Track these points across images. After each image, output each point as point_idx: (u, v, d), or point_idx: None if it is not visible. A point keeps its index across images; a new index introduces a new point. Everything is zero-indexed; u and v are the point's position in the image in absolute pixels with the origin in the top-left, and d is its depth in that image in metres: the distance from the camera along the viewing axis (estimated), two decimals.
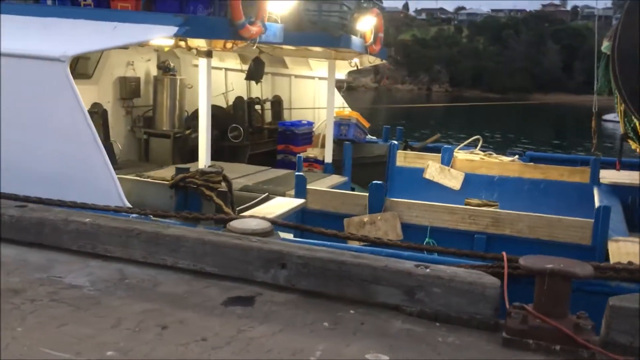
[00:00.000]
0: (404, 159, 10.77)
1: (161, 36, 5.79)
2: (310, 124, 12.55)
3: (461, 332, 3.14)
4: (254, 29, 6.64)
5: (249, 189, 8.73)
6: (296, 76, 13.46)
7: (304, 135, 12.19)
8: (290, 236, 5.71)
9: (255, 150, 12.38)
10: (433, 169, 10.43)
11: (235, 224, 4.14)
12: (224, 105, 12.91)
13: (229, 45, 7.05)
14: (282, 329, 3.06)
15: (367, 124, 12.47)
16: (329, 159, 11.12)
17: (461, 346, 3.00)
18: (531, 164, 10.35)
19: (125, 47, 8.85)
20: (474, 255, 4.23)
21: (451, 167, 10.36)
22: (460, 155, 10.60)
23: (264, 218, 4.46)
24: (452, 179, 10.29)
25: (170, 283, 3.60)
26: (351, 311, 3.34)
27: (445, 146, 10.60)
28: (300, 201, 6.64)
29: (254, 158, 12.12)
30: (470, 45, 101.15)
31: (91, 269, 3.72)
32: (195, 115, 12.74)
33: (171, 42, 6.91)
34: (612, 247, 5.59)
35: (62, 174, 5.41)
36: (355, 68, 11.93)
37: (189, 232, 3.78)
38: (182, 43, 7.11)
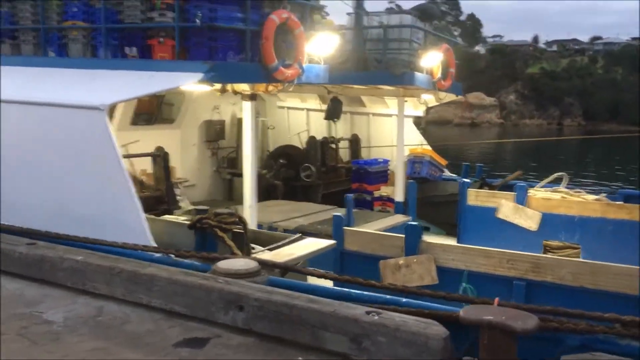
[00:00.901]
0: (476, 197, 10.29)
1: (190, 82, 6.06)
2: (386, 162, 12.41)
3: None
4: (289, 72, 6.76)
5: (302, 229, 8.74)
6: (374, 114, 13.45)
7: (378, 173, 12.06)
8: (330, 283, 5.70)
9: (330, 189, 12.42)
10: (506, 208, 9.86)
11: (221, 264, 4.16)
12: (300, 146, 13.14)
13: (270, 88, 7.23)
14: None
15: (443, 162, 12.10)
16: (399, 197, 10.89)
17: None
18: (617, 203, 9.48)
19: (160, 94, 9.36)
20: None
21: (527, 206, 9.74)
22: (537, 193, 9.94)
23: (259, 260, 4.46)
24: (528, 219, 9.66)
25: (139, 321, 3.67)
26: (299, 358, 3.21)
27: (520, 184, 10.00)
28: (329, 242, 6.55)
29: (328, 197, 12.15)
30: (606, 76, 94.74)
31: (74, 306, 3.89)
32: (271, 155, 13.12)
33: (215, 87, 7.21)
34: None
35: (97, 214, 5.76)
36: (424, 105, 11.69)
37: (162, 271, 3.85)
38: (229, 87, 7.39)
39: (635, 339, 3.39)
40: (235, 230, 5.34)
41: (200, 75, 5.86)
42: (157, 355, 3.19)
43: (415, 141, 12.86)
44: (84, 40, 6.86)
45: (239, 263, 4.20)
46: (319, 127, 13.91)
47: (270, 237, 6.77)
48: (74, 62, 6.80)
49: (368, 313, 3.18)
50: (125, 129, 10.99)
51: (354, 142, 13.45)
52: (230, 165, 14.09)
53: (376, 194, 11.90)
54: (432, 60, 9.97)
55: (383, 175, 12.23)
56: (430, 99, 11.56)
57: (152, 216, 6.46)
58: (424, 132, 13.28)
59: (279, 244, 6.34)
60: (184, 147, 12.67)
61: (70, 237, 5.01)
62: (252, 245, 6.50)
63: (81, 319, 3.69)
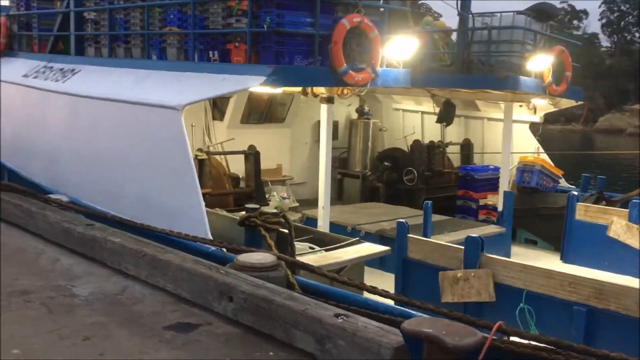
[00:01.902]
0: (585, 212, 9.47)
1: (255, 85, 6.30)
2: (496, 169, 11.84)
3: None
4: (360, 76, 6.75)
5: (382, 233, 8.71)
6: (488, 119, 12.89)
7: (485, 181, 11.53)
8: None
9: (434, 194, 12.11)
10: (618, 226, 8.97)
11: (241, 257, 4.32)
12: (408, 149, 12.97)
13: (345, 91, 7.28)
14: (182, 358, 3.16)
15: (558, 172, 11.30)
16: (501, 207, 10.36)
17: None
18: None
19: (230, 96, 9.70)
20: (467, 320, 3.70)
21: None
22: None
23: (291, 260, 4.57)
24: None
25: (149, 303, 3.95)
26: (270, 353, 3.27)
27: (635, 200, 9.04)
28: (382, 249, 6.45)
29: (432, 202, 11.89)
30: None
31: (104, 283, 4.28)
32: (378, 157, 13.10)
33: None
34: None
35: (165, 205, 6.23)
36: (533, 110, 10.98)
37: (176, 257, 4.10)
38: (309, 90, 7.57)
39: None
40: (280, 230, 5.48)
41: (262, 79, 6.09)
42: (143, 335, 3.43)
43: (530, 148, 12.14)
44: (177, 44, 7.42)
45: (256, 257, 4.32)
46: (433, 131, 13.64)
47: (333, 239, 6.84)
48: (159, 64, 7.42)
49: (337, 316, 3.16)
50: (235, 126, 11.62)
51: (466, 147, 13.00)
52: (342, 166, 14.28)
53: (482, 202, 11.41)
54: (541, 63, 9.35)
55: (492, 183, 11.65)
56: (542, 104, 10.84)
57: (214, 210, 6.82)
58: (542, 139, 12.46)
59: (334, 246, 6.39)
60: (294, 146, 13.05)
61: (129, 222, 5.50)
62: (311, 245, 6.63)
63: (103, 295, 4.05)
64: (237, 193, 8.94)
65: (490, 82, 9.48)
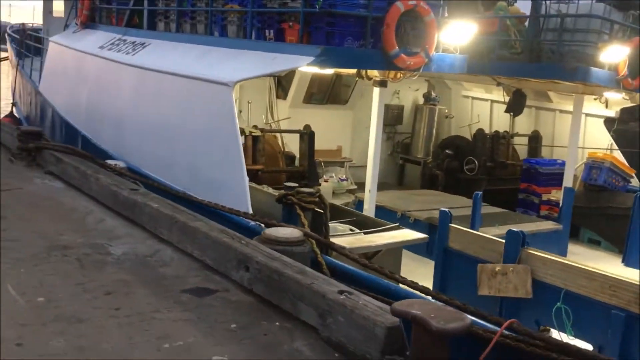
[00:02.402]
0: None
1: (303, 65, 6.33)
2: (563, 164, 11.38)
3: None
4: (412, 60, 6.64)
5: (430, 221, 8.60)
6: (560, 111, 12.37)
7: (550, 175, 11.12)
8: None
9: (496, 186, 11.80)
10: None
11: (268, 230, 4.43)
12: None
13: (399, 75, 7.20)
14: (192, 320, 3.30)
15: (630, 170, 10.71)
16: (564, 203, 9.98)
17: None
18: None
19: (279, 74, 9.70)
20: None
21: None
22: None
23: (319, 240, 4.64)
24: None
25: (175, 266, 4.12)
26: (276, 323, 3.36)
27: None
28: (419, 236, 6.37)
29: (493, 194, 11.57)
30: None
31: (139, 245, 4.50)
32: (441, 145, 12.88)
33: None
34: None
35: (211, 177, 6.44)
36: (604, 104, 10.43)
37: (204, 226, 4.25)
38: (363, 73, 7.54)
39: None
40: (315, 209, 5.54)
41: (310, 59, 6.13)
42: (161, 295, 3.60)
43: (603, 144, 11.57)
44: (237, 22, 7.57)
45: (283, 232, 4.41)
46: (502, 120, 13.25)
47: (375, 223, 6.83)
48: (219, 41, 7.62)
49: (341, 292, 3.20)
50: (297, 106, 11.75)
51: (534, 139, 12.55)
52: (404, 151, 14.15)
53: (545, 197, 11.03)
54: (616, 54, 8.86)
55: (557, 179, 11.18)
56: (617, 98, 10.29)
57: (258, 187, 6.96)
58: (617, 135, 11.82)
59: (372, 230, 6.39)
60: (357, 129, 13.02)
61: (171, 191, 5.73)
62: (351, 227, 6.65)
63: (135, 256, 4.27)
64: (289, 171, 9.07)
65: (559, 72, 9.08)
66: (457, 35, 7.37)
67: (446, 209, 6.59)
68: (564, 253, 8.84)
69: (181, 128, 7.17)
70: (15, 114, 17.80)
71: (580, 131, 11.89)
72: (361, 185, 11.37)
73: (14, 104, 18.10)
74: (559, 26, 9.64)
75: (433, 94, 13.80)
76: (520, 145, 12.74)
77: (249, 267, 3.70)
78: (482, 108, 13.98)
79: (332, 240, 5.75)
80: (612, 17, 9.44)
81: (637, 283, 5.00)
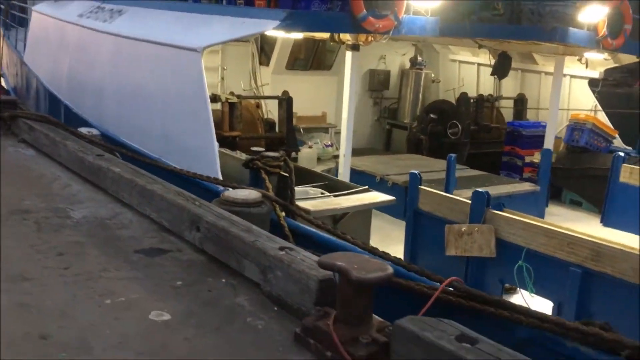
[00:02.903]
0: (630, 175, 9.02)
1: (269, 29, 6.32)
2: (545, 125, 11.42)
3: (282, 320, 2.99)
4: (381, 23, 6.63)
5: (407, 184, 8.62)
6: (546, 73, 12.33)
7: (532, 137, 11.18)
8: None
9: (480, 149, 11.86)
10: None
11: (227, 192, 4.50)
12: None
13: (370, 38, 7.19)
14: (138, 278, 3.37)
15: (613, 132, 10.74)
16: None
17: (260, 333, 2.89)
18: None
19: (245, 40, 9.67)
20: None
21: None
22: None
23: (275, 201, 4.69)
24: None
25: (134, 229, 4.18)
26: (222, 280, 3.44)
27: None
28: (387, 198, 6.44)
29: (477, 158, 11.64)
30: None
31: (100, 209, 4.55)
32: (426, 109, 12.88)
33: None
34: None
35: (180, 143, 6.50)
36: (584, 64, 10.39)
37: (159, 188, 4.31)
38: (336, 37, 7.53)
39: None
40: (281, 173, 5.60)
41: (276, 23, 6.12)
42: (112, 255, 3.67)
43: (587, 106, 11.58)
44: None
45: (242, 193, 4.48)
46: (489, 84, 13.24)
47: (346, 186, 6.90)
48: (191, 7, 7.62)
49: (282, 249, 3.26)
50: (280, 72, 11.73)
51: (519, 102, 12.56)
52: (391, 116, 14.17)
53: (528, 159, 11.10)
54: (595, 14, 8.79)
55: (540, 141, 11.25)
56: (599, 59, 10.24)
57: (225, 151, 7.01)
58: (601, 96, 11.83)
59: (343, 192, 6.47)
60: (341, 94, 12.98)
61: (140, 157, 5.77)
62: (322, 191, 6.72)
63: (94, 219, 4.33)
64: (268, 138, 9.11)
65: (537, 33, 9.06)
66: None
67: (416, 172, 6.65)
68: (541, 214, 8.93)
69: (154, 95, 7.22)
70: (4, 85, 17.78)
71: (565, 93, 11.90)
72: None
73: (1, 75, 18.05)
74: None
75: (419, 59, 13.76)
76: (506, 109, 12.75)
77: (199, 227, 3.77)
78: (469, 72, 13.95)
79: (300, 203, 5.85)
80: None
81: (593, 240, 5.08)
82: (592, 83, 11.60)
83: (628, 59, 10.65)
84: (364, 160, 10.50)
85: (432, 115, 12.07)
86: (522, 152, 11.15)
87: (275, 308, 3.12)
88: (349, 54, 7.59)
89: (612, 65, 10.98)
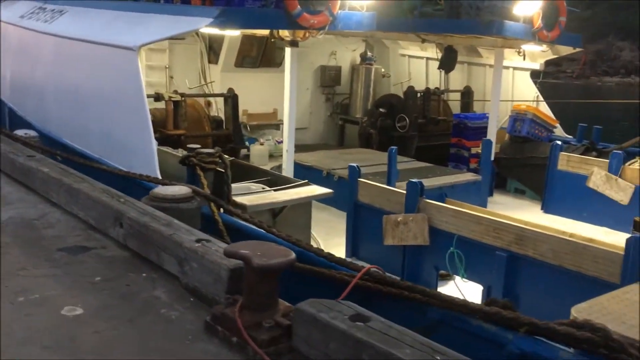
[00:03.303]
0: (567, 162, 9.34)
1: (202, 26, 6.38)
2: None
3: (197, 310, 3.07)
4: (316, 19, 6.74)
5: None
6: (490, 66, 12.62)
7: (477, 129, 11.44)
8: None
9: (428, 142, 12.09)
10: (598, 177, 8.85)
11: (157, 189, 4.54)
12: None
13: (307, 34, 7.30)
14: (57, 275, 3.40)
15: (553, 121, 11.08)
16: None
17: (172, 324, 2.95)
18: None
19: (181, 38, 9.73)
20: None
21: (619, 176, 8.64)
22: (635, 163, 8.75)
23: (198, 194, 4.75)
24: (620, 191, 8.59)
25: (60, 228, 4.20)
26: (143, 274, 3.49)
27: (616, 151, 8.85)
28: (323, 191, 6.57)
29: (426, 150, 11.86)
30: None
31: (28, 210, 4.55)
32: (375, 103, 13.05)
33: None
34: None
35: (118, 142, 6.50)
36: (522, 56, 10.70)
37: (86, 187, 4.33)
38: (275, 33, 7.61)
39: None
40: (217, 169, 5.66)
41: (209, 20, 6.18)
42: (33, 254, 3.68)
43: (529, 97, 11.91)
44: None
45: (171, 189, 4.53)
46: (437, 77, 13.48)
47: (287, 181, 7.00)
48: (130, 6, 7.61)
49: (198, 241, 3.34)
50: (229, 70, 11.74)
51: (466, 95, 12.83)
52: (344, 112, 14.29)
53: (474, 150, 11.36)
54: (529, 7, 9.07)
55: (485, 132, 11.54)
56: (537, 51, 10.56)
57: (166, 149, 7.03)
58: (543, 88, 12.18)
59: (283, 187, 6.56)
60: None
61: (74, 158, 5.76)
62: (263, 186, 6.79)
63: (20, 220, 4.32)
64: (214, 135, 9.14)
65: (476, 27, 9.29)
66: None
67: (355, 165, 6.78)
68: (484, 203, 9.18)
69: (93, 95, 7.19)
70: None
71: (507, 85, 12.23)
72: (303, 147, 11.52)
73: None
74: None
75: (370, 54, 13.92)
76: (454, 101, 13.01)
77: (122, 224, 3.82)
78: (418, 66, 14.18)
79: (238, 198, 5.91)
80: None
81: (516, 224, 5.29)
82: (534, 74, 11.94)
83: (566, 50, 11.03)
84: (314, 156, 10.61)
85: (381, 110, 12.24)
86: (468, 144, 11.41)
87: (192, 299, 3.20)
88: (288, 50, 7.68)
89: (551, 57, 11.33)
